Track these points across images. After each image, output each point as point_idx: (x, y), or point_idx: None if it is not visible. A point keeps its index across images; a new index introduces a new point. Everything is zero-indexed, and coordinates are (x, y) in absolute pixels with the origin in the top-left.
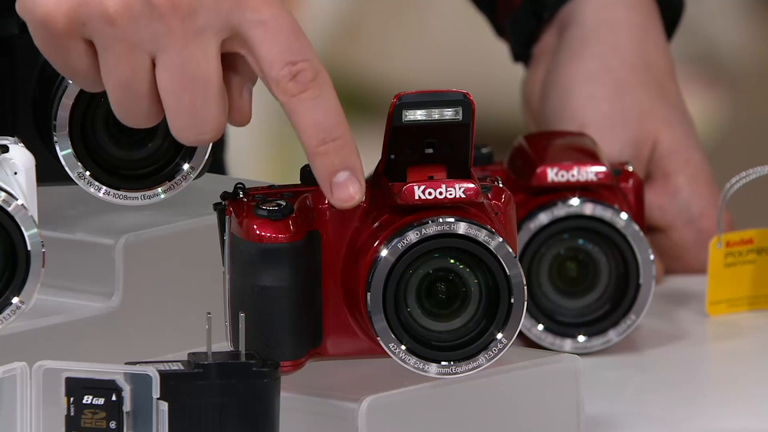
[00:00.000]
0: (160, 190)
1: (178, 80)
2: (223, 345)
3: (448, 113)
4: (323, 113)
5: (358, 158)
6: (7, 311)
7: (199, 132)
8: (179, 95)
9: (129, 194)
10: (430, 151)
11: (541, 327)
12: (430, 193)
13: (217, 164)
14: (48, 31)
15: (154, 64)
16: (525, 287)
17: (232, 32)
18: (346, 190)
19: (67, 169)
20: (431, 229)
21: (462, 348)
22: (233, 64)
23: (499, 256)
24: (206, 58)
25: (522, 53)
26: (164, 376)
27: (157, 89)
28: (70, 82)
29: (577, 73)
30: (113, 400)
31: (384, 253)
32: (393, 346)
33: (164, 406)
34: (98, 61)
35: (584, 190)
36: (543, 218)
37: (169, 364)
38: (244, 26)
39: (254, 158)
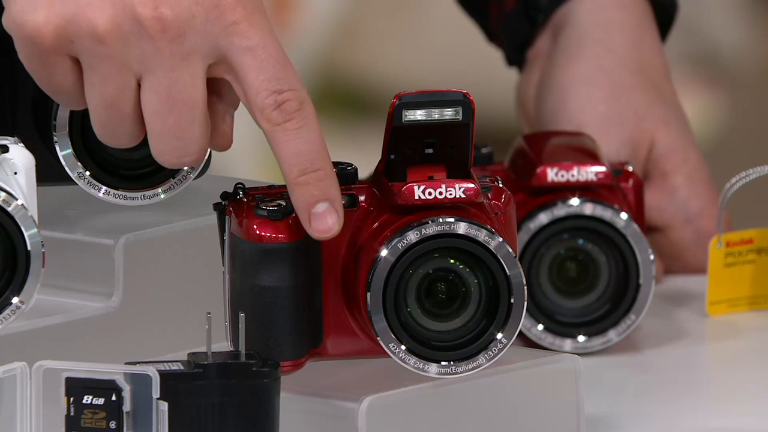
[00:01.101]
0: (160, 190)
1: (163, 102)
2: (223, 345)
3: (448, 113)
4: (305, 144)
5: (338, 190)
6: (7, 311)
7: (181, 155)
8: (164, 117)
9: (129, 194)
10: (430, 151)
11: (541, 327)
12: (430, 193)
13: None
14: (35, 47)
15: (139, 85)
16: (525, 287)
17: (219, 57)
18: (325, 222)
19: (67, 169)
20: (431, 229)
21: (462, 348)
22: (218, 89)
23: (499, 256)
24: (193, 82)
25: (515, 58)
26: (164, 376)
27: (140, 110)
28: None
29: (573, 74)
30: (113, 400)
31: (384, 253)
32: (393, 346)
33: (164, 406)
34: (83, 79)
35: (584, 190)
36: (543, 218)
37: (169, 364)
38: (231, 52)
39: (254, 158)
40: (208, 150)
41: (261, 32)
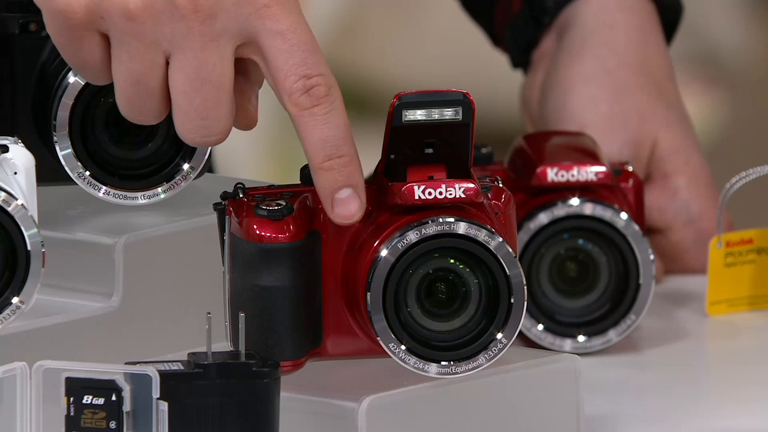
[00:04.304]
0: (160, 190)
1: (191, 81)
2: (223, 345)
3: (448, 113)
4: (332, 129)
5: (362, 177)
6: (7, 311)
7: (206, 134)
8: (191, 96)
9: (129, 194)
10: (430, 151)
11: (541, 327)
12: (430, 193)
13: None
14: (65, 21)
15: (167, 63)
16: (525, 287)
17: (248, 38)
18: (348, 207)
19: (67, 169)
20: (431, 229)
21: (462, 348)
22: (245, 69)
23: (499, 256)
24: (221, 62)
25: (521, 59)
26: (164, 376)
27: (166, 88)
28: (71, 82)
29: (576, 74)
30: (113, 400)
31: (384, 253)
32: (393, 346)
33: (164, 406)
34: (110, 54)
35: (584, 190)
36: (543, 218)
37: (169, 364)
38: (262, 34)
39: (254, 158)
40: (230, 130)
41: (292, 16)
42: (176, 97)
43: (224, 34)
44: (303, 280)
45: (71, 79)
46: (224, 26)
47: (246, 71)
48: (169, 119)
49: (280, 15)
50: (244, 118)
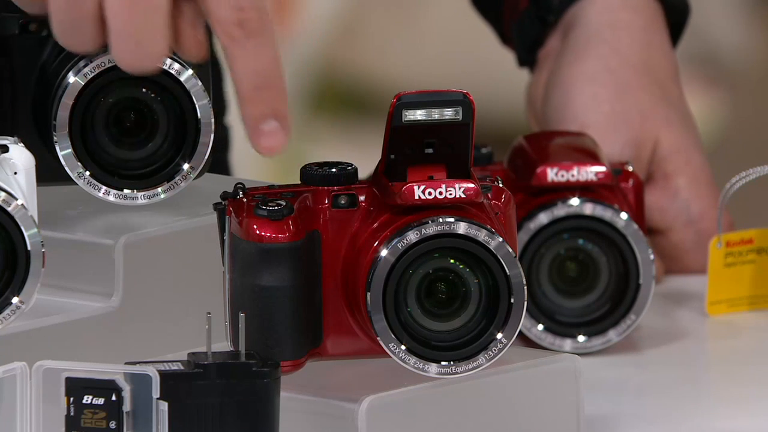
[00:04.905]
0: (160, 190)
1: (126, 4)
2: (223, 345)
3: (448, 113)
4: (263, 62)
5: (288, 110)
6: (7, 311)
7: (140, 58)
8: (125, 18)
9: (129, 194)
10: (430, 151)
11: (541, 327)
12: (430, 193)
13: (221, 164)
14: None
15: None
16: (525, 287)
17: None
18: (273, 138)
19: (67, 169)
20: (431, 229)
21: (462, 348)
22: None
23: (499, 256)
24: None
25: (527, 58)
26: (164, 376)
27: (101, 11)
28: (71, 82)
29: (579, 73)
30: (113, 400)
31: (384, 253)
32: (393, 346)
33: (164, 406)
34: None
35: (584, 190)
36: (543, 218)
37: (169, 364)
38: None
39: (254, 158)
40: (165, 55)
41: None
42: (111, 20)
43: None
44: (303, 280)
45: (71, 79)
46: None
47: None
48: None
49: None
50: (191, 46)
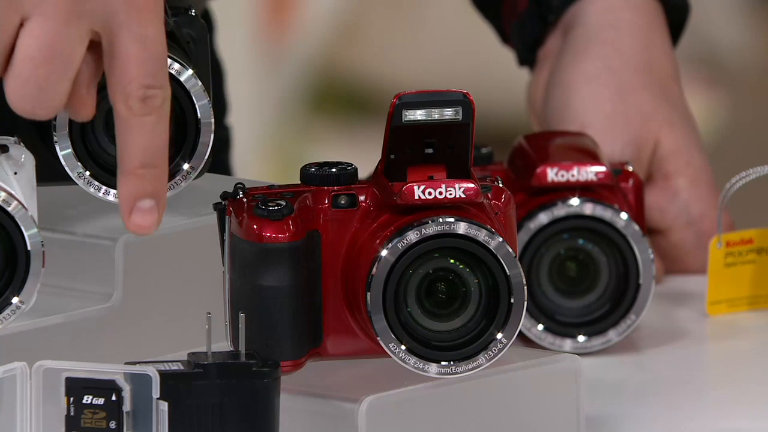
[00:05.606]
0: None
1: (42, 51)
2: (223, 345)
3: (448, 113)
4: (156, 140)
5: (165, 193)
6: (7, 311)
7: (37, 107)
8: (38, 65)
9: None
10: (430, 151)
11: (541, 327)
12: (429, 193)
13: (221, 165)
14: None
15: (20, 25)
16: (525, 287)
17: (110, 31)
18: (148, 217)
19: (67, 169)
20: (431, 229)
21: (462, 348)
22: (92, 58)
23: (499, 256)
24: (78, 41)
25: (527, 57)
26: (164, 376)
27: (10, 50)
28: None
29: (579, 73)
30: (113, 400)
31: (384, 253)
32: (393, 346)
33: (164, 406)
34: None
35: (584, 190)
36: (543, 218)
37: (169, 364)
38: (124, 34)
39: (254, 158)
40: (60, 109)
41: (158, 24)
42: (21, 62)
43: (89, 16)
44: (303, 280)
45: None
46: (93, 8)
47: (91, 60)
48: None
49: (148, 21)
50: (82, 107)
